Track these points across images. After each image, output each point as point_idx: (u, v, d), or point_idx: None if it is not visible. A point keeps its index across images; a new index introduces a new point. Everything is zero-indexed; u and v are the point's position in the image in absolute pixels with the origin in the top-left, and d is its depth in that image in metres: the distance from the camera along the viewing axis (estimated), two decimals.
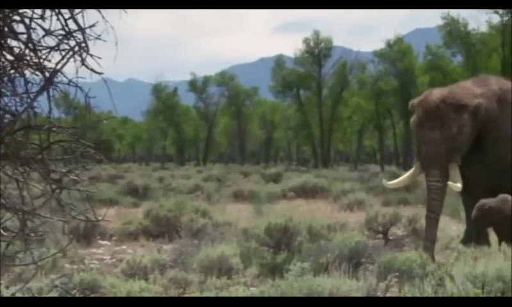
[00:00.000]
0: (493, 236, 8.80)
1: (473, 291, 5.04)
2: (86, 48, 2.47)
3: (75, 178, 2.81)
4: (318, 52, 57.66)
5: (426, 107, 9.42)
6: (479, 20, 53.50)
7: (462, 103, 9.34)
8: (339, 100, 57.12)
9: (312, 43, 57.87)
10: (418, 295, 5.21)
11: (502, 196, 8.54)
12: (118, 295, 6.24)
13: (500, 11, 43.02)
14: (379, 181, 26.62)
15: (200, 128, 72.26)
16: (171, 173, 38.65)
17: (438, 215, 9.31)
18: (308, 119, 57.89)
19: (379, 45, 54.33)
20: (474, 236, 8.67)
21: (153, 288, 6.68)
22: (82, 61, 2.48)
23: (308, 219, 9.79)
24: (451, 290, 5.11)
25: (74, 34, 2.50)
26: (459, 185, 9.08)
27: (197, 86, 69.31)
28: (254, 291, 6.32)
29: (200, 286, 7.09)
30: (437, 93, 9.57)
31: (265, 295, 5.64)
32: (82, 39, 2.46)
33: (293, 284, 5.73)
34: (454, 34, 44.93)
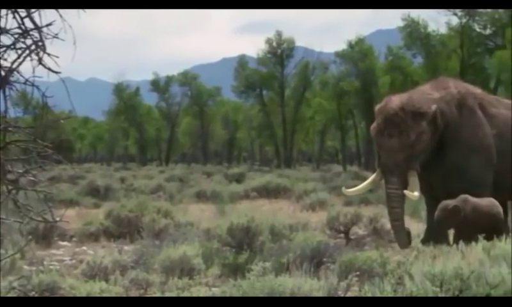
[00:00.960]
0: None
1: (431, 290, 5.10)
2: (43, 47, 2.43)
3: (32, 178, 2.77)
4: (280, 52, 57.84)
5: (385, 114, 9.51)
6: (438, 22, 54.39)
7: (421, 111, 9.43)
8: (302, 100, 57.38)
9: (274, 44, 58.03)
10: (378, 294, 5.26)
11: (462, 196, 8.66)
12: (78, 296, 6.17)
13: (459, 13, 43.77)
14: (341, 181, 26.86)
15: (162, 128, 71.84)
16: (133, 173, 38.35)
17: (403, 220, 9.46)
18: (271, 119, 58.03)
19: (341, 46, 54.84)
20: (438, 236, 8.76)
21: (114, 289, 6.62)
22: (40, 60, 2.45)
23: (270, 219, 9.81)
24: (410, 288, 5.17)
25: (31, 33, 2.46)
26: (416, 194, 9.23)
27: (159, 85, 68.89)
28: (216, 292, 6.31)
29: (162, 287, 7.06)
30: (396, 100, 9.63)
31: (227, 295, 5.64)
32: (39, 38, 2.43)
33: (255, 284, 5.74)
34: (415, 35, 45.51)
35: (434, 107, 9.48)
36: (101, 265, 7.60)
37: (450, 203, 8.57)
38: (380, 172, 9.77)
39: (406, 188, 9.34)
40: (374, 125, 9.78)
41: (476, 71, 43.06)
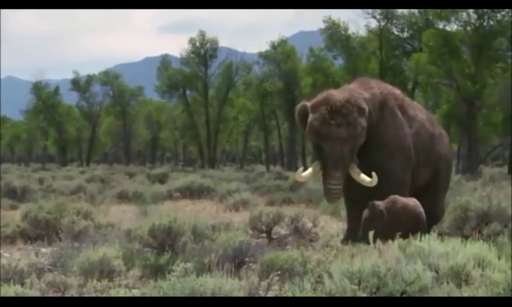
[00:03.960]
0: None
1: (350, 288, 5.20)
2: None
3: None
4: (204, 52, 57.76)
5: (331, 105, 9.39)
6: (358, 24, 55.45)
7: (362, 107, 9.55)
8: (225, 100, 57.52)
9: (197, 44, 57.90)
10: (298, 293, 5.32)
11: (391, 197, 8.79)
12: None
13: (378, 15, 44.92)
14: (264, 181, 27.06)
15: (83, 128, 70.45)
16: (52, 173, 37.41)
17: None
18: (195, 119, 57.89)
19: (264, 47, 55.19)
20: (363, 235, 8.74)
21: (30, 293, 6.42)
22: None
23: (192, 219, 9.74)
24: (329, 286, 5.25)
25: None
26: (369, 179, 9.27)
27: (80, 84, 67.57)
28: (136, 293, 6.23)
29: (80, 290, 6.89)
30: (340, 94, 9.67)
31: (147, 296, 5.57)
32: None
33: (175, 285, 5.70)
34: (335, 37, 46.38)
35: (367, 107, 9.63)
36: (16, 268, 7.36)
37: (380, 204, 8.64)
38: (318, 164, 9.59)
39: (343, 183, 9.44)
40: (315, 116, 9.50)
41: (394, 73, 44.29)
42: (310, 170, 9.77)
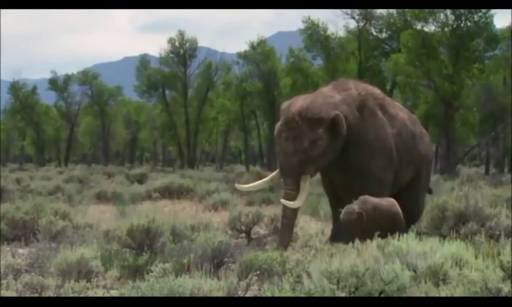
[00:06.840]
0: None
1: (328, 287, 5.22)
2: None
3: None
4: (183, 52, 57.60)
5: (286, 117, 9.65)
6: (337, 25, 55.66)
7: (318, 117, 9.49)
8: (205, 100, 57.41)
9: (177, 43, 57.71)
10: (277, 292, 5.33)
11: (362, 197, 8.82)
12: None
13: (356, 16, 45.12)
14: (244, 181, 26.98)
15: (61, 127, 69.90)
16: (29, 174, 37.06)
17: (291, 221, 9.55)
18: (174, 119, 57.70)
19: (244, 47, 55.23)
20: (344, 237, 8.71)
21: (6, 294, 6.37)
22: None
23: (171, 219, 9.72)
24: (308, 286, 5.27)
25: None
26: (292, 203, 9.37)
27: (58, 84, 67.02)
28: (114, 294, 6.19)
29: (57, 291, 6.84)
30: (297, 105, 9.68)
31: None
32: None
33: (154, 285, 5.68)
34: (315, 37, 46.51)
35: (333, 113, 9.54)
36: None
37: (354, 207, 8.66)
38: (279, 172, 9.88)
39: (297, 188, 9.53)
40: (277, 125, 9.89)
41: (373, 73, 44.50)
42: (264, 179, 10.37)
